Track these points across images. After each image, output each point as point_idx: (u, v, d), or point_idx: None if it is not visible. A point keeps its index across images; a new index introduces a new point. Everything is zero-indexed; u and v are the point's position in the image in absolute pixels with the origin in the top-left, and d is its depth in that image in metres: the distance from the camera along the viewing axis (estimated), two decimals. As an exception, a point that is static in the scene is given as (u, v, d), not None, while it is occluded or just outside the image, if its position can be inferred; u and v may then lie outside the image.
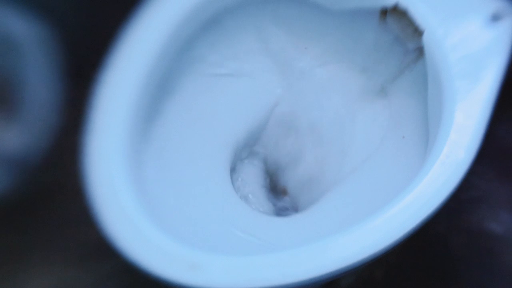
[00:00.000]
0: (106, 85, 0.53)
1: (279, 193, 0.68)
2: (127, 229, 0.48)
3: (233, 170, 0.67)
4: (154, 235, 0.49)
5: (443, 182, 0.50)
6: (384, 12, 0.60)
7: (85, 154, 0.51)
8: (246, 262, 0.48)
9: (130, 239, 0.48)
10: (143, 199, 0.52)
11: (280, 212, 0.66)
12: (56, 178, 0.79)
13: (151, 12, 0.57)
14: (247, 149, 0.68)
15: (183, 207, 0.57)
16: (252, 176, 0.67)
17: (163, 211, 0.55)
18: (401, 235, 0.48)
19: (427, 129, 0.58)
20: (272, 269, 0.47)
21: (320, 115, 0.67)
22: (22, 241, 0.79)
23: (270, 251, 0.49)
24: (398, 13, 0.59)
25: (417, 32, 0.58)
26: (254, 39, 0.67)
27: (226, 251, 0.52)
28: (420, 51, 0.59)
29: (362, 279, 0.79)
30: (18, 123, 0.67)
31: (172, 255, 0.48)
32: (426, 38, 0.57)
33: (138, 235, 0.48)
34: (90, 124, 0.52)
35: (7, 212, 0.78)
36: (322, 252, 0.48)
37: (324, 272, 0.47)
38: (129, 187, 0.51)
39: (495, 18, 0.56)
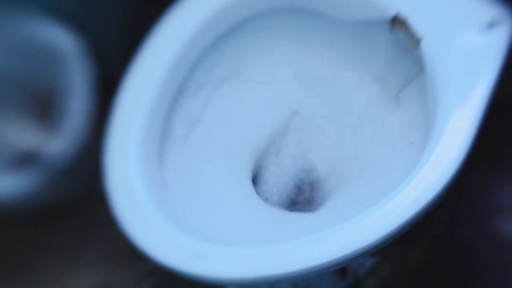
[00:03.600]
0: (126, 90, 0.59)
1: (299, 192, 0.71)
2: (138, 221, 0.53)
3: (255, 171, 0.70)
4: (162, 226, 0.53)
5: (433, 180, 0.52)
6: (392, 22, 0.63)
7: (105, 157, 0.57)
8: (245, 253, 0.52)
9: (140, 229, 0.53)
10: (157, 193, 0.56)
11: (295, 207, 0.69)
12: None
13: (171, 21, 0.62)
14: (268, 151, 0.72)
15: (198, 202, 0.62)
16: (271, 177, 0.70)
17: (178, 205, 0.59)
18: (389, 232, 0.51)
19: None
20: (268, 260, 0.51)
21: (336, 120, 0.70)
22: (72, 242, 0.85)
23: (268, 243, 0.53)
24: (400, 23, 0.62)
25: (418, 40, 0.60)
26: (272, 49, 0.71)
27: (232, 243, 0.56)
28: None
29: (386, 284, 0.80)
30: (60, 130, 0.73)
31: (177, 245, 0.52)
32: (424, 46, 0.59)
33: (148, 225, 0.53)
34: (110, 127, 0.58)
35: (53, 214, 0.85)
36: (315, 245, 0.51)
37: (316, 263, 0.50)
38: (143, 183, 0.55)
39: (491, 25, 0.58)
